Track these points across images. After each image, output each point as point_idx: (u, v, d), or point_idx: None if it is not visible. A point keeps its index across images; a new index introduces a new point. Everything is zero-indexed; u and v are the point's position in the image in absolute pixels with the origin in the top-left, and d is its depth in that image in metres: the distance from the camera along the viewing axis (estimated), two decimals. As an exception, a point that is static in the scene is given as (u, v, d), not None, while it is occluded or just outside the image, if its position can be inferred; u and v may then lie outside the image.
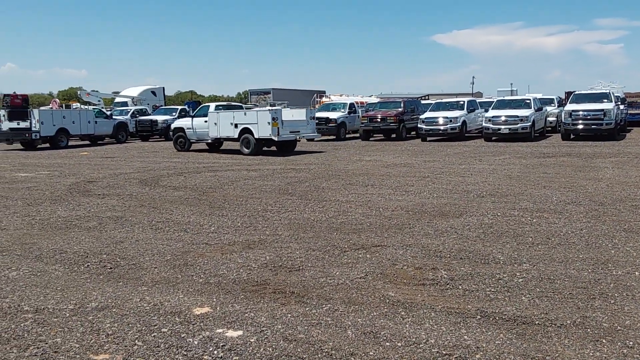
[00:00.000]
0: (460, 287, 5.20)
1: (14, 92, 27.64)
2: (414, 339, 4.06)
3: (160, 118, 32.93)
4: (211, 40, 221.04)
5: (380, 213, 8.61)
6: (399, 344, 3.99)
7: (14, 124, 26.52)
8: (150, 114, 35.78)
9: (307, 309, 4.70)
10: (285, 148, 20.90)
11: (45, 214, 9.13)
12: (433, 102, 31.51)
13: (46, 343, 4.11)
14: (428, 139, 25.53)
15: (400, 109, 27.24)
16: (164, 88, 50.10)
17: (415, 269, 5.73)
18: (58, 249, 6.84)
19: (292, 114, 21.40)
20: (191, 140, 22.95)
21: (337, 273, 5.65)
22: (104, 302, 4.95)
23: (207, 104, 25.03)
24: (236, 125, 20.37)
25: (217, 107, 23.21)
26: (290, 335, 4.16)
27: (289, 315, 4.56)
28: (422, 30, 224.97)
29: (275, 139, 19.37)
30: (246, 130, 20.09)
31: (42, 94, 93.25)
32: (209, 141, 22.46)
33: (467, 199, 9.68)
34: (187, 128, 22.85)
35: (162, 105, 41.73)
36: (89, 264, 6.19)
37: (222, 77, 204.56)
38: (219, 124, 20.93)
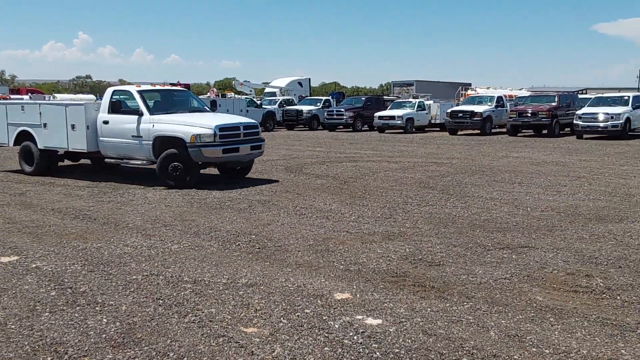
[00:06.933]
0: (618, 297, 4.77)
1: (178, 82, 30.31)
2: (563, 348, 3.82)
3: (305, 108, 34.13)
4: (355, 32, 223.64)
5: (528, 213, 8.16)
6: (547, 351, 3.77)
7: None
8: (296, 104, 37.22)
9: (447, 304, 4.62)
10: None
11: (203, 194, 9.93)
12: (592, 96, 29.01)
13: (202, 312, 4.50)
14: (585, 136, 23.57)
15: (553, 104, 25.45)
16: (310, 79, 51.70)
17: (566, 275, 5.36)
18: (213, 227, 7.42)
19: None
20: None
21: (480, 271, 5.47)
22: (252, 279, 5.28)
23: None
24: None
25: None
26: (430, 330, 4.12)
27: (429, 309, 4.52)
28: (582, 18, 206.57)
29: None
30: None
31: (201, 84, 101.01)
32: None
33: (629, 203, 8.81)
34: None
35: (307, 96, 43.17)
36: (239, 242, 6.63)
37: (365, 69, 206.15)
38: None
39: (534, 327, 4.16)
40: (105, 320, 4.33)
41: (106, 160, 11.84)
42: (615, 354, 3.73)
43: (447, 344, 3.89)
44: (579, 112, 23.85)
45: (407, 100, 33.90)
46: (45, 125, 12.16)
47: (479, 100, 29.40)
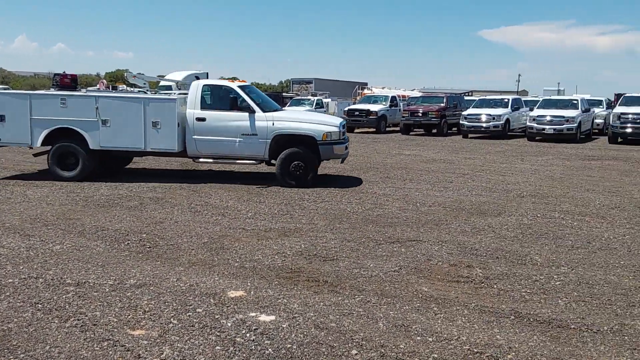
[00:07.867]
0: (495, 286, 5.13)
1: (64, 72, 28.37)
2: (445, 335, 4.05)
3: (202, 103, 33.45)
4: (256, 28, 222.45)
5: (417, 208, 8.56)
6: (430, 339, 3.98)
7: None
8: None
9: (339, 298, 4.73)
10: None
11: (89, 191, 9.41)
12: (476, 98, 30.97)
13: (86, 316, 4.26)
14: (469, 135, 25.11)
15: (442, 104, 26.87)
16: (207, 73, 50.37)
17: (450, 266, 5.69)
18: (100, 226, 7.06)
19: None
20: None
21: (371, 265, 5.66)
22: (142, 280, 5.09)
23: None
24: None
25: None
26: (321, 324, 4.19)
27: (322, 303, 4.60)
28: (469, 25, 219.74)
29: None
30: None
31: (91, 75, 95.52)
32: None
33: (506, 198, 9.51)
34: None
35: (205, 91, 42.27)
36: (129, 242, 6.37)
37: (265, 66, 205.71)
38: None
39: (419, 317, 4.37)
40: (-26, 329, 3.98)
41: (198, 160, 10.78)
42: (491, 339, 4.01)
43: (337, 336, 3.98)
44: (464, 112, 25.37)
45: (306, 97, 34.30)
46: (105, 122, 10.35)
47: (375, 99, 30.37)
